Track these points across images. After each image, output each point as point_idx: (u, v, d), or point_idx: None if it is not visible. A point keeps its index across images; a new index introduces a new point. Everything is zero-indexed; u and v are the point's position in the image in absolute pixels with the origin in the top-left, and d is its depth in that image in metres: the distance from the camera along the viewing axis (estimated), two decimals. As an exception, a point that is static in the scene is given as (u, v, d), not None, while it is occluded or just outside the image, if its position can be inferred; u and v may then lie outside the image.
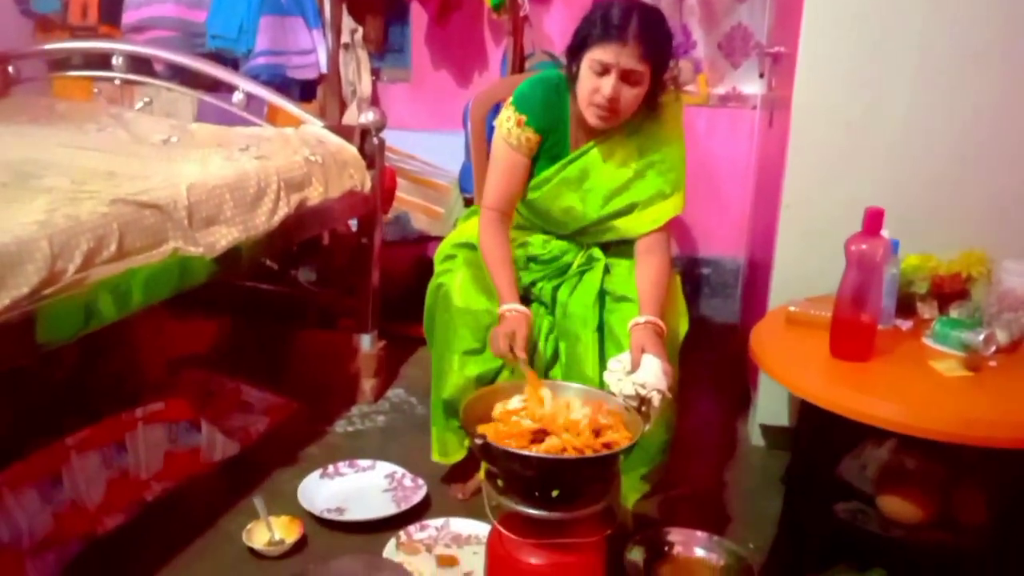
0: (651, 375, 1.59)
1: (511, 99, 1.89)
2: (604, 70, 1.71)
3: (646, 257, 1.87)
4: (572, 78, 1.80)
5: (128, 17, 3.08)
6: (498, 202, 1.91)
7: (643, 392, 1.57)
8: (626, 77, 1.72)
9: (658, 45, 1.73)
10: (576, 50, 1.77)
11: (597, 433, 1.48)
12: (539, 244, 1.99)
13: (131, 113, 2.64)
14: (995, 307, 1.76)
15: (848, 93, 2.04)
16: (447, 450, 2.02)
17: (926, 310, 1.88)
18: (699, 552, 1.79)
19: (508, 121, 1.87)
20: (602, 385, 1.69)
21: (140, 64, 2.79)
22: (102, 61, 2.79)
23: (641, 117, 1.84)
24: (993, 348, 1.68)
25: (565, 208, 1.91)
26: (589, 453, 1.42)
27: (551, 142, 1.89)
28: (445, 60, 3.37)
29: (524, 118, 1.85)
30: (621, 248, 1.95)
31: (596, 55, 1.71)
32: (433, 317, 1.95)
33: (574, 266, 1.94)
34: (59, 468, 1.82)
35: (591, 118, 1.78)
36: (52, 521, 1.74)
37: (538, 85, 1.88)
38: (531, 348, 1.97)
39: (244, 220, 1.97)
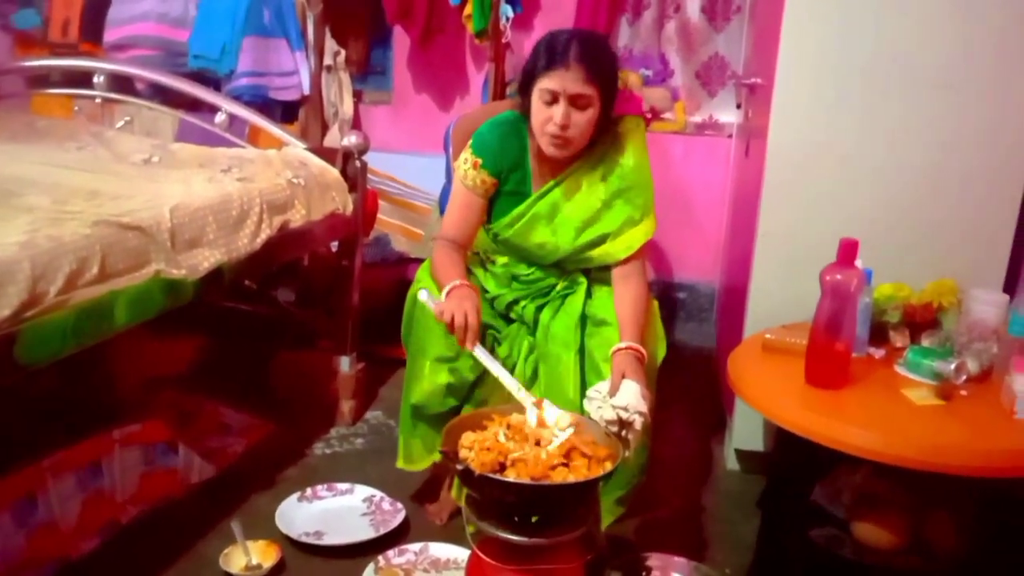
0: (632, 398, 1.61)
1: (470, 141, 1.93)
2: (553, 98, 1.75)
3: (624, 283, 1.89)
4: (526, 113, 1.84)
5: (110, 35, 3.08)
6: (453, 234, 1.93)
7: (624, 415, 1.59)
8: (575, 102, 1.75)
9: (601, 66, 1.77)
10: (526, 85, 1.82)
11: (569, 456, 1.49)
12: (523, 268, 2.00)
13: (111, 132, 2.63)
14: (965, 336, 1.79)
15: (823, 125, 2.07)
16: (412, 456, 2.01)
17: (898, 339, 1.91)
18: (677, 577, 1.81)
19: (465, 164, 1.91)
20: (582, 409, 1.71)
21: (121, 82, 2.79)
22: (83, 79, 2.78)
23: (603, 146, 1.87)
24: (964, 377, 1.71)
25: (539, 243, 1.93)
26: (571, 478, 1.43)
27: (514, 181, 1.92)
28: (427, 84, 3.40)
29: (480, 161, 1.89)
30: (603, 273, 1.97)
31: (543, 84, 1.75)
32: (411, 323, 1.95)
33: (557, 288, 1.96)
34: (34, 490, 1.81)
35: (546, 148, 1.82)
36: (26, 544, 1.73)
37: (496, 128, 1.92)
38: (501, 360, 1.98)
39: (227, 242, 1.97)
